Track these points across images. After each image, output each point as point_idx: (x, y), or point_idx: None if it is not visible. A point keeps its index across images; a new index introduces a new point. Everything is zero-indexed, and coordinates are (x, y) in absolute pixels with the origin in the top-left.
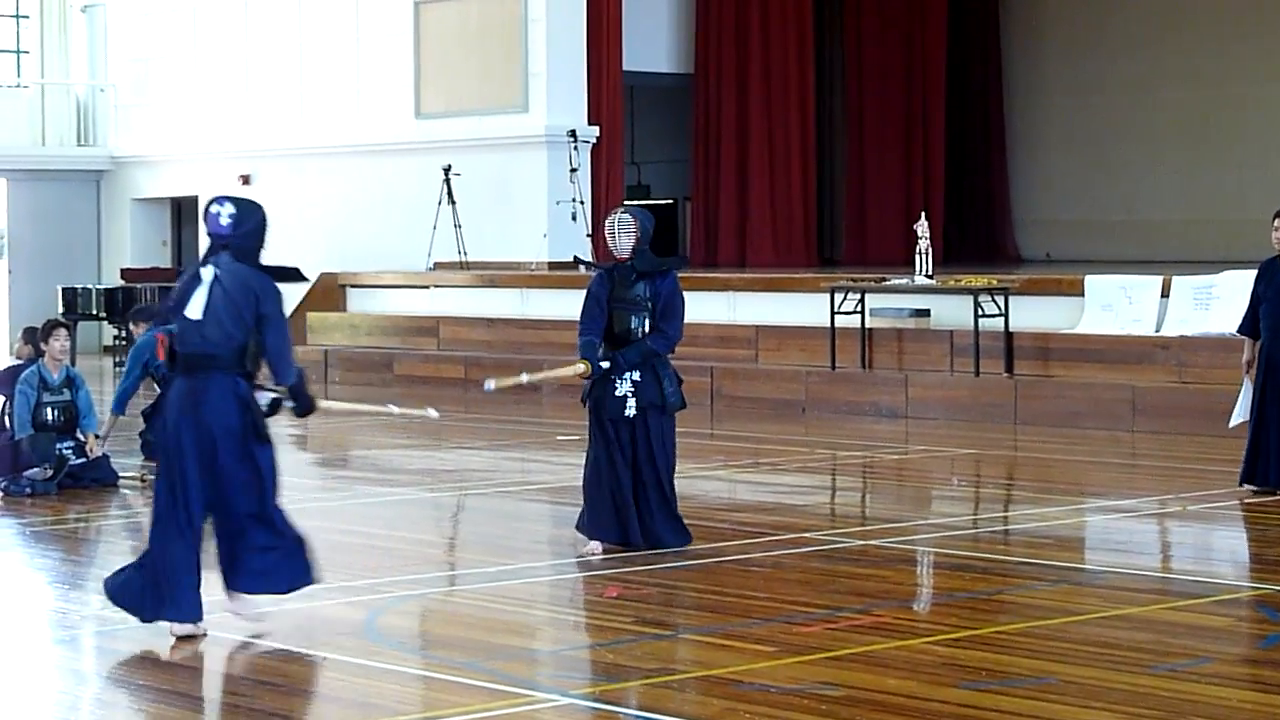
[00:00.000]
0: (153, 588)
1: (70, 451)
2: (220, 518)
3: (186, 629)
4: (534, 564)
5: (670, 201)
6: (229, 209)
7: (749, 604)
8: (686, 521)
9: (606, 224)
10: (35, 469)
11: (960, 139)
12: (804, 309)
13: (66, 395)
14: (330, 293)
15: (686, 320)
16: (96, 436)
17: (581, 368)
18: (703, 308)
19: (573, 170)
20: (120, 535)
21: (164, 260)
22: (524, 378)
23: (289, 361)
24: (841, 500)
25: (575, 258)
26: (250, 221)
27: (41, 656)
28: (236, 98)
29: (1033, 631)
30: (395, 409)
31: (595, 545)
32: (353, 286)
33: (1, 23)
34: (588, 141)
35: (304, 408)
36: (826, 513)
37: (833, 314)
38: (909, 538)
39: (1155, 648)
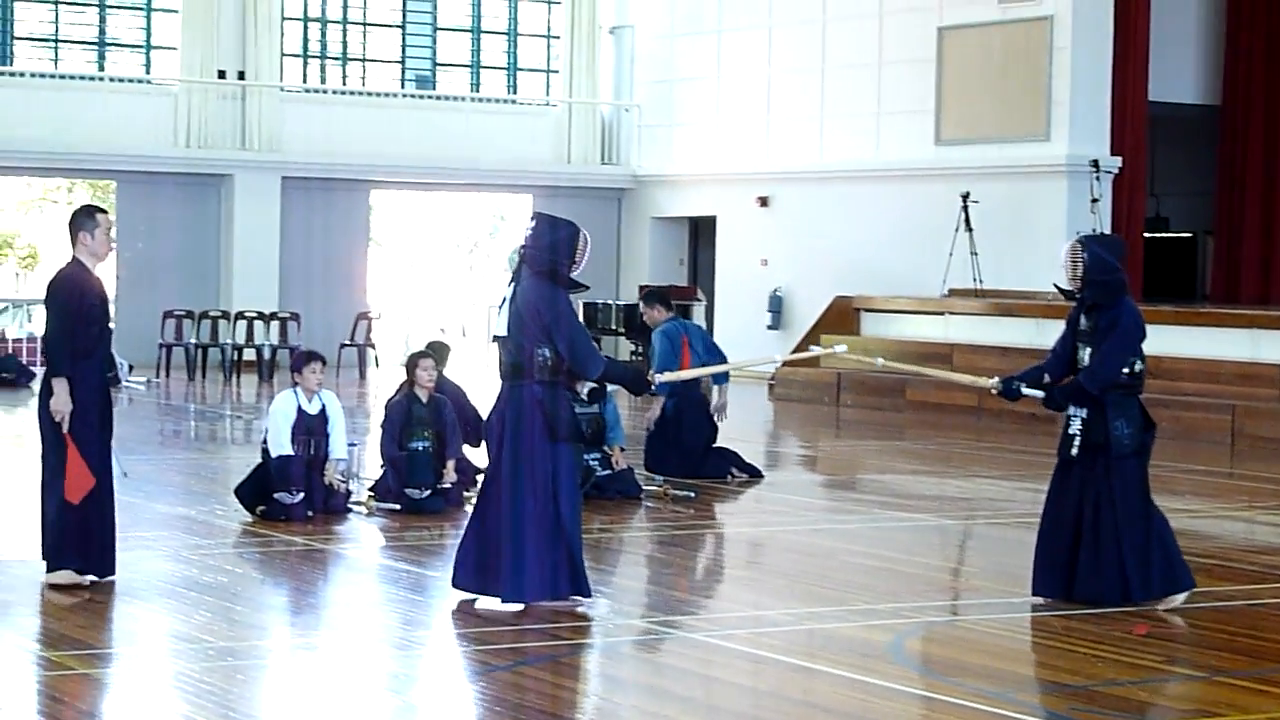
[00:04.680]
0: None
1: (596, 464)
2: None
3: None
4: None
5: (1189, 235)
6: (532, 224)
7: None
8: (1211, 562)
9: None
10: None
11: None
12: None
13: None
14: (844, 316)
15: (1198, 355)
16: (621, 449)
17: (991, 381)
18: (1224, 344)
19: (1094, 200)
20: (642, 546)
21: (680, 278)
22: (910, 367)
23: (585, 357)
24: None
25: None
26: (546, 237)
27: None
28: (757, 120)
29: None
30: (778, 357)
31: None
32: (867, 310)
33: (533, 43)
34: (1109, 171)
35: (635, 388)
36: None
37: None
38: None
39: None
